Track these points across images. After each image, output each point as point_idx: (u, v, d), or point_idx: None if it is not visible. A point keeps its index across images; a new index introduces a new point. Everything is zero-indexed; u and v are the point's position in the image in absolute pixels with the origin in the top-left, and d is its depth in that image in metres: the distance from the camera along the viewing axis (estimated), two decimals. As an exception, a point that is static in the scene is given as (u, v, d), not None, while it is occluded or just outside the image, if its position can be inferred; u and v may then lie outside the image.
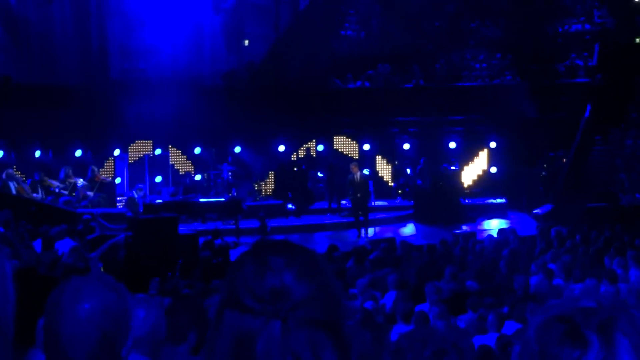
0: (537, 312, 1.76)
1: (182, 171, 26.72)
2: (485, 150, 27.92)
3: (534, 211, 24.31)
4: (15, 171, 24.28)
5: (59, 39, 27.97)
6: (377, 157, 28.12)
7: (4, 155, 24.78)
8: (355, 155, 27.47)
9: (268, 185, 27.57)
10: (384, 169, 28.37)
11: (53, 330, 2.45)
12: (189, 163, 26.79)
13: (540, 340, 1.68)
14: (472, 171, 28.04)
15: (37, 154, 25.28)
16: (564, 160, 26.13)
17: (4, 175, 23.46)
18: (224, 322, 1.76)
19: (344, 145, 28.20)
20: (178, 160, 26.88)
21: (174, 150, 26.67)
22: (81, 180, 24.82)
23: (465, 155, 27.68)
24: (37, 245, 15.10)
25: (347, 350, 1.77)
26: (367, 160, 27.25)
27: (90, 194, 24.43)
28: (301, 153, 27.78)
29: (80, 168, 25.35)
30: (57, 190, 24.27)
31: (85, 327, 2.43)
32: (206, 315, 8.96)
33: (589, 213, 21.70)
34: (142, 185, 24.91)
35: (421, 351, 3.69)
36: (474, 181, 27.89)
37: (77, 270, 11.28)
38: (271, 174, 27.45)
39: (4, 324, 2.58)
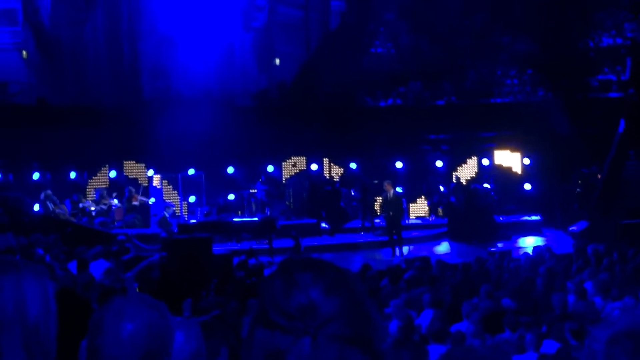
0: (598, 328, 1.74)
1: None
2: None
3: (570, 228, 24.09)
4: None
5: (92, 59, 28.29)
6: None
7: (39, 177, 25.05)
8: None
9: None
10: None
11: (96, 350, 2.44)
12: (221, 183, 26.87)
13: (609, 354, 1.66)
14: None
15: (73, 175, 25.53)
16: (599, 176, 25.89)
17: (42, 196, 23.72)
18: (254, 340, 1.77)
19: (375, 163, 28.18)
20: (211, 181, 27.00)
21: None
22: (116, 201, 25.04)
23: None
24: (72, 266, 15.20)
25: None
26: (400, 178, 27.20)
27: (137, 203, 24.65)
28: (334, 171, 27.79)
29: (116, 188, 25.58)
30: (93, 213, 24.45)
31: (128, 347, 2.42)
32: (239, 334, 8.97)
33: (625, 230, 21.46)
34: (170, 203, 25.05)
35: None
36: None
37: (113, 291, 11.32)
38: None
39: (47, 344, 2.58)
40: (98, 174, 26.36)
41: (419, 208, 27.74)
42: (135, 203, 25.03)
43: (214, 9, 28.63)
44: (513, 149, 27.69)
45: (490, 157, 27.69)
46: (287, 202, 26.56)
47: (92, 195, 25.64)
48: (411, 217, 26.61)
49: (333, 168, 27.88)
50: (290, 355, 1.70)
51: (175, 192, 26.39)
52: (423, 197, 27.75)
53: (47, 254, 15.84)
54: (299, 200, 26.89)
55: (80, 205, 24.57)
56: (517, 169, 27.95)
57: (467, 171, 27.90)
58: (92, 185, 26.13)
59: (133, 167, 26.74)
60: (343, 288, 1.78)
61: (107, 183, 26.06)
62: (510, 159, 28.00)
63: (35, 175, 25.04)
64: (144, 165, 26.48)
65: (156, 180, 26.50)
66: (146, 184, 26.31)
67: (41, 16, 28.45)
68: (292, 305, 1.73)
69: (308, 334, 1.70)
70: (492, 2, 30.69)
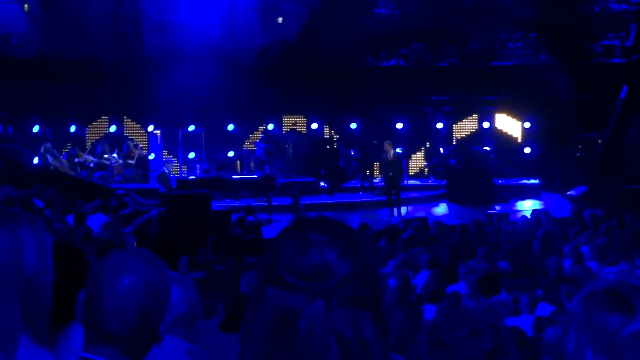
0: (581, 289, 1.77)
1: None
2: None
3: (568, 192, 24.13)
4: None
5: (94, 15, 28.07)
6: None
7: (39, 130, 25.04)
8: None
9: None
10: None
11: (93, 303, 2.45)
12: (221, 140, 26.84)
13: (587, 308, 1.69)
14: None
15: (73, 128, 25.53)
16: (599, 141, 25.89)
17: (42, 149, 23.73)
18: (264, 299, 1.75)
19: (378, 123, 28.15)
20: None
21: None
22: (115, 155, 25.05)
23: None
24: (70, 219, 15.25)
25: (387, 327, 1.77)
26: (400, 138, 27.17)
27: (133, 161, 24.61)
28: (334, 130, 27.77)
29: (115, 143, 25.58)
30: (92, 165, 24.49)
31: (125, 302, 2.43)
32: (237, 291, 9.00)
33: (624, 195, 21.50)
34: (169, 159, 25.08)
35: (457, 331, 3.66)
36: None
37: (111, 245, 11.37)
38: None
39: (43, 296, 2.60)
40: (98, 128, 26.35)
41: (418, 169, 27.79)
42: (133, 159, 25.02)
43: (217, -34, 28.40)
44: (513, 113, 27.66)
45: (491, 120, 27.68)
46: (286, 160, 26.56)
47: (91, 149, 25.65)
48: (410, 178, 26.64)
49: (333, 127, 27.85)
50: (303, 316, 1.69)
51: (175, 148, 26.38)
52: (423, 158, 27.79)
53: (46, 207, 15.87)
54: (299, 159, 26.87)
55: (79, 159, 24.58)
56: (517, 132, 27.94)
57: (467, 133, 27.92)
58: (92, 138, 26.13)
59: (133, 122, 26.71)
60: (357, 250, 1.76)
61: (107, 137, 26.02)
62: (510, 122, 27.98)
63: (35, 128, 25.03)
64: (143, 120, 26.45)
65: (156, 136, 26.50)
66: (146, 140, 26.30)
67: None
68: (306, 266, 1.71)
69: (322, 295, 1.69)
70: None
